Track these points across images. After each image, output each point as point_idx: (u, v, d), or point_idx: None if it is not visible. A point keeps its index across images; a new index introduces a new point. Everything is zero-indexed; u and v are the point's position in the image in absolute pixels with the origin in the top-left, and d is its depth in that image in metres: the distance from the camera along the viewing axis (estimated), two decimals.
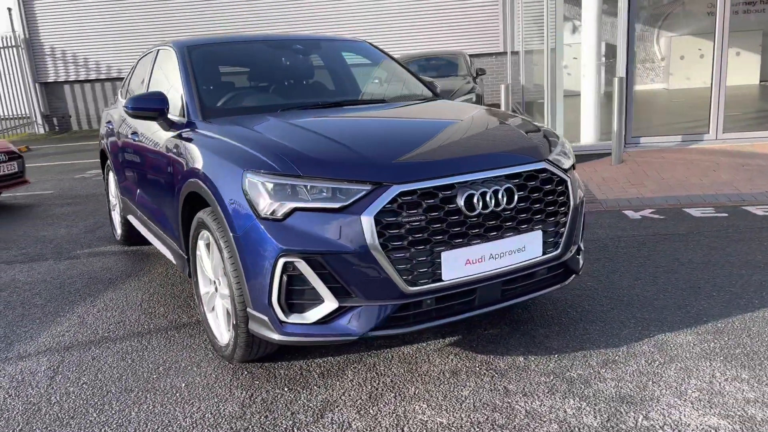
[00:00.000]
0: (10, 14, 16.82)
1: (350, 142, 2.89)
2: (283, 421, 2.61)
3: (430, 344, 3.23)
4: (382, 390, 2.81)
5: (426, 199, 2.63)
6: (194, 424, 2.62)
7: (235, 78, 4.09)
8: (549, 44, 8.22)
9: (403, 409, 2.65)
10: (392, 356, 3.12)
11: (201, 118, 3.46)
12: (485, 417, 2.56)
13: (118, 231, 5.48)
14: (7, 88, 16.83)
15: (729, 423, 2.43)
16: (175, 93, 3.77)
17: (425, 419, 2.57)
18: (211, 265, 3.14)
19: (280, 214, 2.59)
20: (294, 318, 2.64)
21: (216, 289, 3.15)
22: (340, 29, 16.06)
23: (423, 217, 2.62)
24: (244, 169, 2.73)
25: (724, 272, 4.01)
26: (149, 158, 3.97)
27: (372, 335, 2.65)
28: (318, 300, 2.62)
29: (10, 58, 16.85)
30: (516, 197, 2.81)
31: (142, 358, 3.27)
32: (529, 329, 3.34)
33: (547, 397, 2.68)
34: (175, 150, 3.44)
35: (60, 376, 3.13)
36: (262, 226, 2.61)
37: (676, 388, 2.69)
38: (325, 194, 2.60)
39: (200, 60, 3.87)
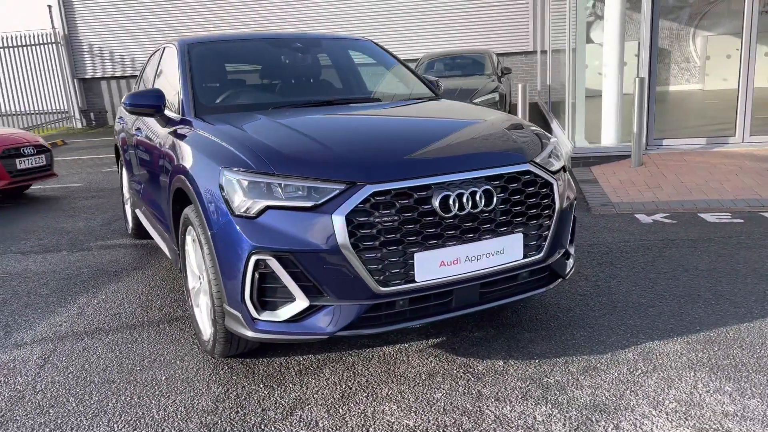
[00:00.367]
0: (50, 12, 17.32)
1: (330, 141, 2.89)
2: (252, 418, 2.63)
3: (412, 345, 3.21)
4: (356, 390, 2.81)
5: (400, 199, 2.61)
6: (166, 417, 2.66)
7: (233, 76, 4.13)
8: (570, 43, 8.07)
9: (372, 409, 2.64)
10: (372, 356, 3.12)
11: (194, 115, 3.51)
12: (453, 420, 2.53)
13: (130, 224, 5.60)
14: (47, 84, 17.32)
15: None
16: (175, 90, 3.82)
17: (392, 421, 2.56)
18: (196, 260, 3.18)
19: (253, 211, 2.61)
20: (266, 315, 2.66)
21: (201, 285, 3.19)
22: (363, 29, 16.08)
23: (396, 218, 2.60)
24: (221, 167, 2.75)
25: (727, 280, 3.89)
26: (148, 154, 4.04)
27: (343, 334, 2.65)
28: (290, 298, 2.63)
29: (49, 55, 17.34)
30: (495, 199, 2.77)
31: (130, 350, 3.34)
32: (515, 333, 3.30)
33: (519, 402, 2.64)
34: (168, 146, 3.50)
35: (49, 365, 3.21)
36: (236, 223, 2.63)
37: (654, 398, 2.62)
38: (298, 193, 2.61)
39: (199, 58, 3.92)
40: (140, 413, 2.70)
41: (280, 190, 2.61)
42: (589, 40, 11.00)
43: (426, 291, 2.69)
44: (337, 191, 2.58)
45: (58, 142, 14.50)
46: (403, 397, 2.73)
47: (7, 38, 15.71)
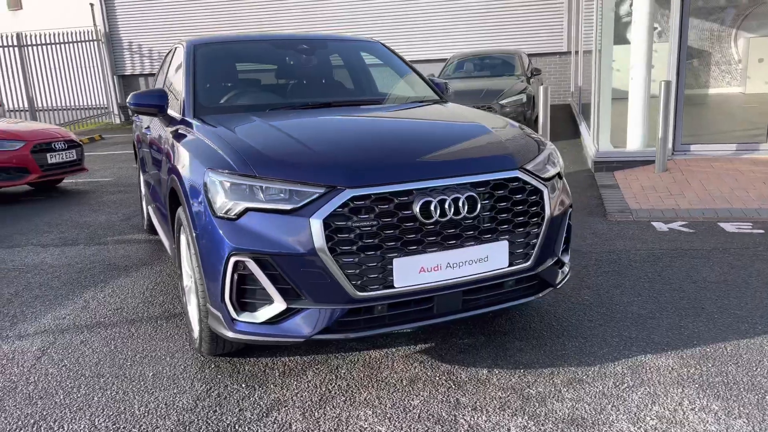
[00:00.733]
0: (92, 9, 17.80)
1: (315, 144, 2.89)
2: (229, 417, 2.65)
3: (399, 350, 3.19)
4: (335, 393, 2.81)
5: (380, 204, 2.60)
6: (146, 414, 2.70)
7: (237, 76, 4.16)
8: (596, 44, 7.91)
9: (347, 414, 2.64)
10: (358, 359, 3.11)
11: (193, 115, 3.56)
12: (425, 428, 2.51)
13: (145, 220, 5.72)
14: (88, 80, 17.80)
15: None
16: (180, 90, 3.88)
17: (365, 426, 2.55)
18: (187, 259, 3.23)
19: (233, 213, 2.63)
20: (245, 317, 2.68)
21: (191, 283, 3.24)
22: (391, 30, 16.05)
23: (375, 223, 2.59)
24: (206, 168, 2.78)
25: (736, 293, 3.76)
26: (154, 152, 4.12)
27: (320, 338, 2.66)
28: (268, 300, 2.64)
29: (91, 52, 17.82)
30: (479, 206, 2.73)
31: (124, 345, 3.41)
32: (505, 341, 3.25)
33: (495, 412, 2.60)
34: (168, 146, 3.55)
35: (46, 357, 3.30)
36: (217, 225, 2.66)
37: (635, 413, 2.55)
38: (279, 195, 2.62)
39: (204, 58, 3.97)
40: (122, 408, 2.75)
41: (261, 193, 2.63)
42: (624, 41, 10.76)
43: (405, 297, 2.68)
44: (317, 195, 2.58)
45: (95, 137, 14.89)
46: (380, 403, 2.71)
47: (50, 35, 16.19)
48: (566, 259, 3.25)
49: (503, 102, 9.92)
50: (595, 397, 2.69)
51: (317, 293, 2.60)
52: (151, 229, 5.59)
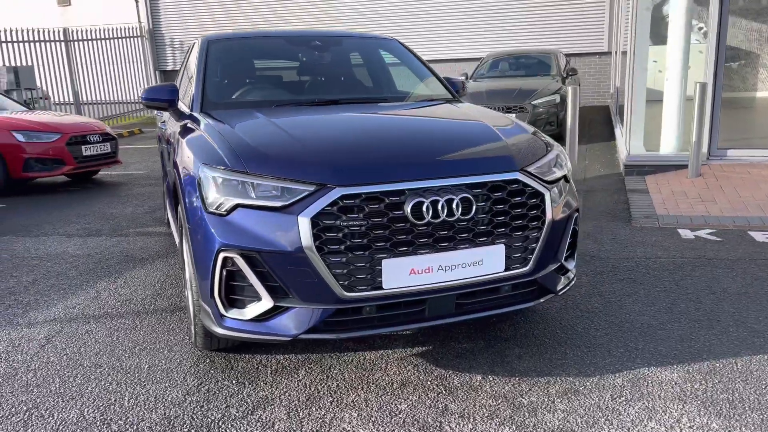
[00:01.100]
0: (137, 5, 18.22)
1: (309, 141, 2.86)
2: (215, 413, 2.65)
3: (396, 351, 3.14)
4: (323, 394, 2.78)
5: (370, 203, 2.55)
6: (134, 406, 2.72)
7: (249, 72, 4.15)
8: (630, 44, 7.69)
9: (332, 415, 2.60)
10: (352, 360, 3.07)
11: (200, 110, 3.57)
12: None
13: (167, 213, 5.80)
14: (131, 75, 18.22)
15: None
16: (192, 84, 3.91)
17: (348, 429, 2.50)
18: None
19: (223, 209, 2.62)
20: (233, 313, 2.67)
21: None
22: (425, 29, 15.94)
23: (364, 222, 2.54)
24: (201, 163, 2.78)
25: (755, 306, 3.58)
26: (166, 146, 4.16)
27: (306, 338, 2.63)
28: (256, 297, 2.62)
29: (135, 47, 18.23)
30: (474, 208, 2.66)
31: (126, 337, 3.45)
32: (504, 347, 3.16)
33: (483, 421, 2.52)
34: (174, 140, 3.58)
35: (50, 345, 3.36)
36: (208, 220, 2.66)
37: (629, 429, 2.44)
38: (269, 193, 2.60)
39: (216, 54, 3.99)
40: (112, 399, 2.78)
41: (251, 189, 2.61)
42: (662, 41, 10.43)
43: (395, 299, 2.62)
44: (306, 192, 2.55)
45: (135, 131, 15.24)
46: (367, 405, 2.67)
47: (96, 31, 16.63)
48: (571, 265, 3.14)
49: (536, 102, 9.75)
50: (589, 409, 2.59)
51: (304, 292, 2.57)
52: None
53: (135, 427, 2.55)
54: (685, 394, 2.68)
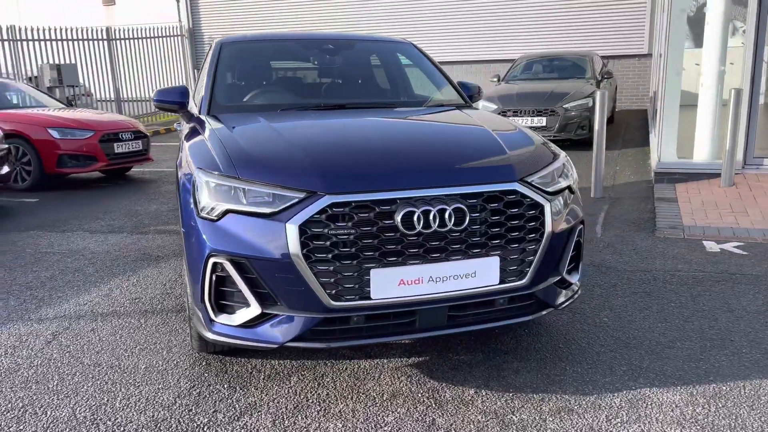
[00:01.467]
0: (178, 5, 18.57)
1: (304, 147, 2.84)
2: (202, 418, 2.65)
3: (391, 361, 3.10)
4: (312, 402, 2.75)
5: (360, 212, 2.52)
6: (125, 407, 2.74)
7: (259, 75, 4.16)
8: (665, 47, 7.45)
9: (317, 425, 2.58)
10: (346, 368, 3.04)
11: (207, 113, 3.59)
12: None
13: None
14: (171, 74, 18.58)
15: None
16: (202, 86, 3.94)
17: None
18: None
19: (214, 214, 2.62)
20: (222, 318, 2.67)
21: None
22: (462, 30, 15.77)
23: (353, 231, 2.51)
24: (197, 167, 2.79)
25: None
26: (179, 148, 4.20)
27: (293, 345, 2.60)
28: (245, 303, 2.61)
29: (175, 47, 18.58)
30: (468, 219, 2.59)
31: (129, 336, 3.49)
32: (502, 360, 3.09)
33: None
34: (180, 142, 3.61)
35: (55, 342, 3.43)
36: (199, 225, 2.66)
37: None
38: (260, 199, 2.58)
39: (228, 56, 4.00)
40: (105, 399, 2.81)
41: (242, 195, 2.60)
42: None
43: (383, 309, 2.58)
44: (296, 200, 2.53)
45: (171, 128, 15.52)
46: (353, 416, 2.63)
47: (137, 30, 17.00)
48: (574, 278, 3.04)
49: (567, 106, 9.57)
50: (581, 430, 2.50)
51: (292, 300, 2.55)
52: None
53: (122, 429, 2.58)
54: (684, 418, 2.56)
